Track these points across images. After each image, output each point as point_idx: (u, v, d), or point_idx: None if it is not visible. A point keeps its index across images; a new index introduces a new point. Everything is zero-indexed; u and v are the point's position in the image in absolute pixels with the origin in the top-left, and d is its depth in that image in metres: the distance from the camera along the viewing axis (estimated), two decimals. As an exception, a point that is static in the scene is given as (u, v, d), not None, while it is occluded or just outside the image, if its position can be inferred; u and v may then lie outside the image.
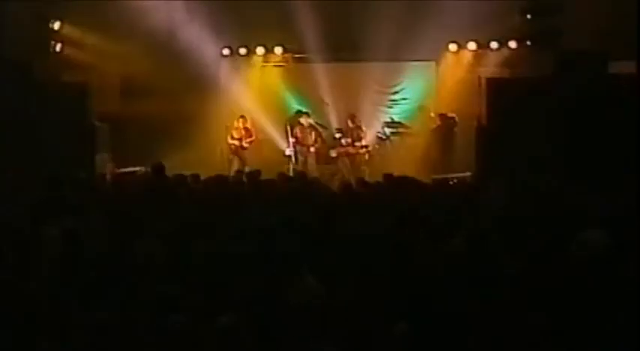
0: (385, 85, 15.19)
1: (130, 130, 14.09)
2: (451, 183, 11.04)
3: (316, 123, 14.46)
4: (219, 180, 9.60)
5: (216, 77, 15.02)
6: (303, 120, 14.39)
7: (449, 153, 14.04)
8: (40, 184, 9.48)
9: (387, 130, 14.60)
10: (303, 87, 15.16)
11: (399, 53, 14.66)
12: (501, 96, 12.93)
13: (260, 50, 15.19)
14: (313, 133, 14.32)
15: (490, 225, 6.49)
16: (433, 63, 15.23)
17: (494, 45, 14.54)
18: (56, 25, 13.94)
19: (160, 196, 8.27)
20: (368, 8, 13.72)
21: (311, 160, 14.22)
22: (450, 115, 14.38)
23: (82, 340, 4.42)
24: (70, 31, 14.13)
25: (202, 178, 9.94)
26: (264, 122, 14.87)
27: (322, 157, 14.38)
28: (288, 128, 14.55)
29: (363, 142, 14.31)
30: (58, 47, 14.04)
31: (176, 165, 10.23)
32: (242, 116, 14.38)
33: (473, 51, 14.77)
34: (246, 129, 14.32)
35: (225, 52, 15.09)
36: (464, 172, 12.78)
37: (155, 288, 4.97)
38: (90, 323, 4.48)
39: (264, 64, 15.52)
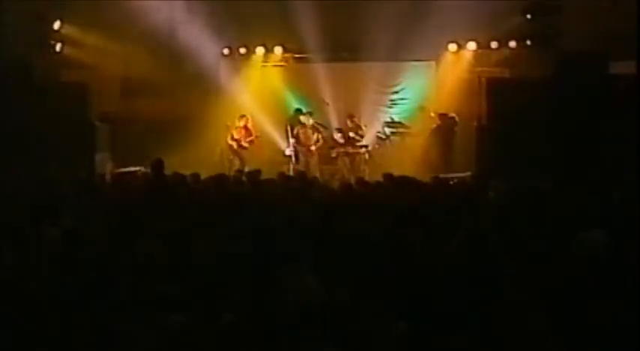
0: (385, 85, 15.20)
1: (130, 130, 14.10)
2: (451, 183, 11.03)
3: (316, 123, 14.46)
4: (219, 180, 9.60)
5: (216, 77, 15.03)
6: (304, 119, 14.39)
7: (449, 153, 14.04)
8: (40, 184, 9.51)
9: (387, 130, 14.60)
10: (303, 87, 15.17)
11: (399, 53, 14.67)
12: (501, 96, 12.94)
13: (260, 50, 15.21)
14: (315, 134, 14.32)
15: (490, 225, 6.49)
16: (433, 63, 15.24)
17: (494, 45, 14.53)
18: (56, 25, 13.93)
19: (160, 196, 8.27)
20: (368, 8, 13.73)
21: (312, 160, 14.23)
22: (450, 115, 14.38)
23: (82, 340, 4.42)
24: (70, 30, 14.12)
25: (202, 177, 9.94)
26: (264, 122, 14.87)
27: (322, 157, 14.39)
28: (289, 128, 14.56)
29: (363, 142, 14.32)
30: (58, 47, 14.03)
31: (176, 165, 10.22)
32: (242, 116, 14.38)
33: (473, 51, 14.77)
34: (246, 129, 14.32)
35: (225, 52, 15.11)
36: (464, 172, 12.78)
37: (155, 288, 4.97)
38: (90, 323, 4.49)
39: (264, 64, 15.53)
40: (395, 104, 15.23)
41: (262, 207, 7.65)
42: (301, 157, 14.30)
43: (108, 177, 12.12)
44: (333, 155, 14.36)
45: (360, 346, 4.37)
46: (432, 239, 6.03)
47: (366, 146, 14.31)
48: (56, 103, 12.76)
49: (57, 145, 12.35)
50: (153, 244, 5.91)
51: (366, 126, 14.42)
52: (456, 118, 14.34)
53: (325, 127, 14.57)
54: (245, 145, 14.24)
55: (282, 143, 14.75)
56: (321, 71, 15.00)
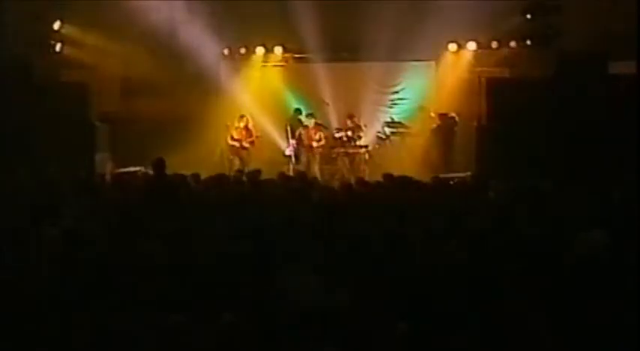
0: (385, 85, 15.20)
1: (130, 130, 14.10)
2: (451, 183, 11.03)
3: (317, 123, 14.45)
4: (220, 180, 9.60)
5: (216, 77, 15.03)
6: (305, 119, 14.40)
7: (449, 153, 14.04)
8: (40, 184, 9.51)
9: (387, 130, 14.59)
10: (303, 87, 15.17)
11: (399, 53, 14.68)
12: (501, 96, 12.95)
13: (260, 50, 15.21)
14: (317, 134, 14.32)
15: (490, 225, 6.49)
16: (433, 63, 15.23)
17: (494, 45, 14.53)
18: (56, 25, 13.93)
19: (161, 196, 8.27)
20: (368, 8, 13.73)
21: (312, 160, 14.22)
22: (450, 115, 14.37)
23: (82, 340, 4.42)
24: (70, 30, 14.12)
25: (202, 177, 9.95)
26: (264, 122, 14.87)
27: (322, 157, 14.39)
28: (288, 128, 14.56)
29: (362, 142, 14.31)
30: (58, 47, 14.03)
31: (176, 165, 10.22)
32: (242, 116, 14.37)
33: (473, 51, 14.77)
34: (246, 129, 14.31)
35: (226, 52, 15.11)
36: (464, 172, 12.78)
37: (155, 288, 4.97)
38: (90, 323, 4.49)
39: (264, 64, 15.54)
40: (395, 104, 15.23)
41: (262, 207, 7.65)
42: (301, 157, 14.30)
43: (108, 177, 12.12)
44: (333, 155, 14.35)
45: (360, 346, 4.37)
46: (432, 239, 6.03)
47: (366, 146, 14.30)
48: (56, 103, 12.77)
49: (57, 145, 12.35)
50: (153, 244, 5.91)
51: (366, 126, 14.41)
52: (456, 118, 14.34)
53: (325, 127, 14.57)
54: (245, 145, 14.23)
55: (282, 143, 14.75)
56: (321, 71, 15.01)
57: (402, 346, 4.34)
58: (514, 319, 4.51)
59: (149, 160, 9.32)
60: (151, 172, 9.38)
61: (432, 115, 14.64)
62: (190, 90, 14.25)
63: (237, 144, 14.19)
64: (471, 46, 14.67)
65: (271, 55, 15.35)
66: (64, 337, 4.47)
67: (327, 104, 14.79)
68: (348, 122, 14.35)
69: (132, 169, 12.83)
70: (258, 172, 10.45)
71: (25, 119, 12.45)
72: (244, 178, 10.46)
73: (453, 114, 14.36)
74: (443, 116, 14.39)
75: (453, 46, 14.79)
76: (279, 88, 15.38)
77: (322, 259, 5.48)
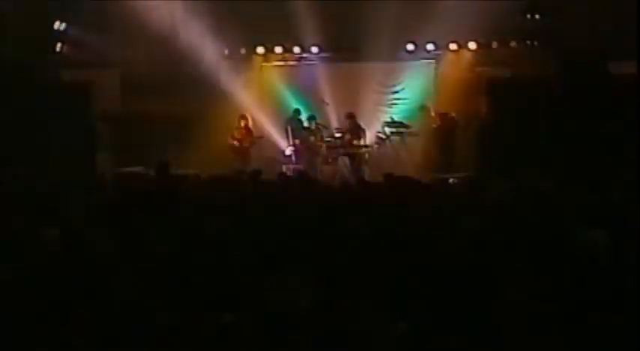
0: (385, 85, 15.22)
1: (131, 130, 14.11)
2: (451, 183, 11.04)
3: (317, 123, 14.47)
4: (220, 180, 9.61)
5: (216, 77, 15.03)
6: (304, 120, 14.43)
7: (449, 153, 14.05)
8: (40, 184, 9.51)
9: (387, 130, 14.59)
10: (303, 87, 15.18)
11: (399, 53, 14.70)
12: (501, 96, 12.96)
13: (260, 50, 15.22)
14: (317, 134, 14.33)
15: (490, 225, 6.49)
16: (433, 63, 15.25)
17: (494, 45, 14.55)
18: (57, 25, 13.94)
19: (161, 196, 8.28)
20: (368, 8, 13.73)
21: (313, 160, 14.23)
22: (451, 114, 14.38)
23: (82, 340, 4.42)
24: (71, 30, 14.14)
25: (203, 177, 9.95)
26: (264, 122, 14.89)
27: (322, 157, 14.40)
28: (289, 128, 14.58)
29: (362, 142, 14.30)
30: (59, 47, 14.04)
31: (177, 165, 10.23)
32: (243, 116, 14.39)
33: (473, 51, 14.79)
34: (246, 129, 14.34)
35: (226, 52, 15.12)
36: (464, 172, 12.79)
37: (155, 288, 4.98)
38: (90, 323, 4.49)
39: (264, 64, 15.55)
40: (395, 104, 15.24)
41: (262, 207, 7.66)
42: (302, 157, 14.31)
43: (108, 177, 12.13)
44: (333, 155, 14.36)
45: (360, 346, 4.37)
46: (432, 239, 6.03)
47: (366, 146, 14.31)
48: (56, 103, 12.77)
49: (57, 145, 12.37)
50: (153, 244, 5.92)
51: (365, 126, 14.42)
52: (457, 118, 14.35)
53: (325, 127, 14.58)
54: (246, 145, 14.24)
55: (282, 143, 14.77)
56: (321, 71, 15.03)
57: (402, 346, 4.34)
58: (514, 319, 4.52)
59: (150, 160, 9.35)
60: (151, 172, 9.41)
61: (433, 114, 14.65)
62: (190, 90, 14.26)
63: (237, 144, 14.20)
64: (471, 45, 14.69)
65: (271, 55, 15.36)
66: (64, 337, 4.47)
67: (327, 104, 14.80)
68: (348, 122, 14.36)
69: (133, 169, 12.85)
70: (258, 172, 10.46)
71: (25, 119, 12.46)
72: (245, 178, 10.47)
73: (453, 114, 14.37)
74: (443, 116, 14.40)
75: (453, 46, 14.81)
76: (279, 88, 15.39)
77: (322, 259, 5.48)
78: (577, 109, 11.99)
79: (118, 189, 9.92)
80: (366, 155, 14.27)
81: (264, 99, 15.26)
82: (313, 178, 11.56)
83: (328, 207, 7.48)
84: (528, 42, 13.88)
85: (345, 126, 14.40)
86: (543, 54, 13.46)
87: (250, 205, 7.82)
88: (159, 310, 4.66)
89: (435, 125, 14.44)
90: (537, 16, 13.58)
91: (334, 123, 14.76)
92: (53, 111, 12.71)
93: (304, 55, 15.22)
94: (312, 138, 14.28)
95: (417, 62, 15.17)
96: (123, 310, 4.71)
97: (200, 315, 4.57)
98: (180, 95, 14.10)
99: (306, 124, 14.44)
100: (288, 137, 14.55)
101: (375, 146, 14.55)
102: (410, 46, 14.77)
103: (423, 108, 14.85)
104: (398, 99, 15.26)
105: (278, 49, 15.24)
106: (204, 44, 14.29)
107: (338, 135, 14.36)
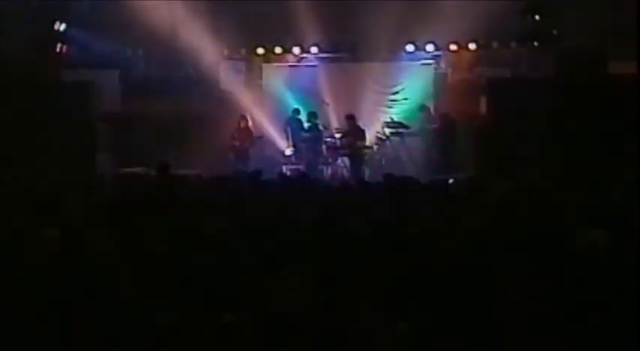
0: (385, 85, 15.22)
1: (131, 130, 14.11)
2: (451, 183, 11.03)
3: (317, 123, 14.47)
4: (220, 180, 9.61)
5: (216, 77, 15.05)
6: (306, 121, 14.44)
7: (449, 153, 14.04)
8: (40, 184, 9.51)
9: (387, 130, 14.60)
10: (303, 87, 15.19)
11: (398, 53, 14.71)
12: (501, 96, 12.96)
13: (260, 50, 15.22)
14: (317, 133, 14.34)
15: (490, 225, 6.49)
16: (433, 63, 15.25)
17: (494, 45, 14.56)
18: (57, 25, 13.94)
19: (161, 196, 8.28)
20: (368, 8, 13.74)
21: (313, 160, 14.23)
22: (451, 114, 14.38)
23: (82, 340, 4.42)
24: (72, 31, 14.14)
25: (203, 178, 9.96)
26: (264, 122, 14.89)
27: (323, 157, 14.39)
28: (288, 128, 14.59)
29: (361, 143, 14.28)
30: (59, 47, 14.04)
31: (177, 165, 10.23)
32: (243, 116, 14.39)
33: (473, 51, 14.79)
34: (246, 129, 14.33)
35: (226, 52, 15.12)
36: (464, 172, 12.79)
37: (155, 288, 4.98)
38: (90, 323, 4.49)
39: (265, 63, 15.56)
40: (395, 104, 15.24)
41: (262, 207, 7.66)
42: (302, 157, 14.32)
43: (108, 177, 12.13)
44: (333, 155, 14.35)
45: (360, 346, 4.38)
46: (432, 239, 6.03)
47: (366, 147, 14.31)
48: (56, 103, 12.78)
49: (57, 145, 12.37)
50: (153, 244, 5.92)
51: (365, 126, 14.42)
52: (456, 118, 14.35)
53: (326, 128, 14.59)
54: (246, 145, 14.24)
55: (282, 143, 14.77)
56: (321, 71, 15.05)
57: (402, 346, 4.34)
58: (514, 319, 4.52)
59: (150, 160, 9.36)
60: (152, 172, 9.42)
61: (432, 115, 14.65)
62: (191, 90, 14.26)
63: (237, 144, 14.20)
64: (471, 46, 14.69)
65: (271, 55, 15.37)
66: (64, 337, 4.47)
67: (327, 104, 14.81)
68: (348, 123, 14.35)
69: (132, 169, 12.85)
70: (258, 172, 10.47)
71: (25, 119, 12.46)
72: (245, 178, 10.47)
73: (453, 114, 14.37)
74: (443, 116, 14.40)
75: (453, 46, 14.81)
76: (279, 88, 15.40)
77: (322, 259, 5.48)
78: (577, 109, 11.98)
79: (118, 189, 9.93)
80: (366, 156, 14.27)
81: (264, 99, 15.26)
82: (313, 178, 11.56)
83: (328, 207, 7.48)
84: (528, 42, 13.88)
85: (345, 127, 14.39)
86: (543, 54, 13.46)
87: (250, 205, 7.82)
88: (159, 310, 4.66)
89: (435, 125, 14.44)
90: (537, 17, 13.57)
91: (334, 123, 14.77)
92: (53, 111, 12.71)
93: (304, 55, 15.23)
94: (312, 138, 14.27)
95: (417, 63, 15.17)
96: (123, 310, 4.71)
97: (200, 315, 4.57)
98: (180, 95, 14.10)
99: (306, 124, 14.44)
100: (288, 137, 14.56)
101: (375, 146, 14.54)
102: (410, 47, 14.78)
103: (422, 108, 14.85)
104: (398, 99, 15.26)
105: (278, 50, 15.24)
106: (204, 44, 14.29)
107: (338, 135, 14.36)
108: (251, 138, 14.29)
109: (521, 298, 4.78)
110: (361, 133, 14.17)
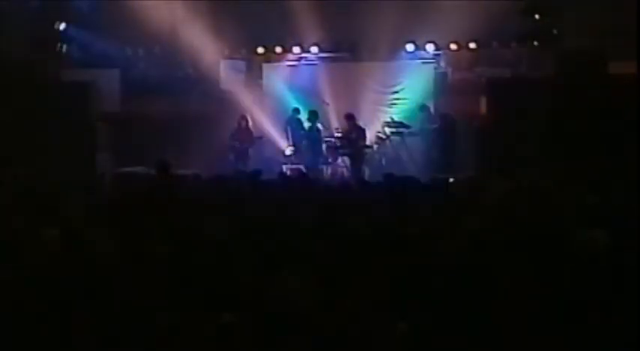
0: (385, 84, 15.22)
1: (131, 130, 14.11)
2: (451, 183, 11.03)
3: (317, 123, 14.47)
4: (220, 180, 9.61)
5: (216, 77, 15.06)
6: (306, 121, 14.43)
7: (449, 153, 14.04)
8: (40, 184, 9.51)
9: (387, 130, 14.59)
10: (303, 87, 15.19)
11: (398, 53, 14.71)
12: (501, 96, 12.96)
13: (260, 50, 15.23)
14: (317, 134, 14.34)
15: (490, 225, 6.49)
16: (433, 63, 15.25)
17: (494, 44, 14.56)
18: (57, 25, 13.94)
19: (161, 196, 8.28)
20: (368, 8, 13.75)
21: (313, 160, 14.23)
22: (451, 114, 14.38)
23: (82, 341, 4.42)
24: (72, 31, 14.14)
25: (203, 178, 9.96)
26: (264, 122, 14.89)
27: (323, 157, 14.40)
28: (288, 128, 14.60)
29: (361, 143, 14.28)
30: (59, 47, 14.04)
31: (177, 165, 10.23)
32: (243, 116, 14.39)
33: (473, 50, 14.79)
34: (246, 129, 14.33)
35: (226, 51, 15.13)
36: (464, 172, 12.79)
37: (155, 288, 4.98)
38: (90, 323, 4.49)
39: (265, 63, 15.56)
40: (395, 104, 15.24)
41: (262, 207, 7.66)
42: (302, 157, 14.32)
43: (108, 177, 12.14)
44: (333, 155, 14.35)
45: (360, 346, 4.37)
46: (432, 239, 6.03)
47: (366, 146, 14.31)
48: (56, 103, 12.78)
49: (57, 145, 12.37)
50: (153, 244, 5.92)
51: (365, 126, 14.42)
52: (456, 118, 14.34)
53: (326, 127, 14.59)
54: (246, 145, 14.24)
55: (282, 143, 14.77)
56: (321, 71, 15.05)
57: (402, 346, 4.34)
58: (514, 319, 4.52)
59: (150, 160, 9.36)
60: (152, 172, 9.41)
61: (432, 114, 14.65)
62: (191, 90, 14.27)
63: (237, 144, 14.20)
64: (471, 46, 14.70)
65: (271, 55, 15.37)
66: (64, 337, 4.47)
67: (327, 104, 14.81)
68: (348, 123, 14.35)
69: (132, 169, 12.85)
70: (258, 172, 10.47)
71: (25, 119, 12.46)
72: (244, 178, 10.47)
73: (453, 114, 14.37)
74: (443, 116, 14.40)
75: (453, 46, 14.82)
76: (280, 87, 15.40)
77: (322, 259, 5.48)
78: (577, 109, 11.98)
79: (118, 189, 9.92)
80: (366, 155, 14.26)
81: (264, 99, 15.26)
82: (313, 178, 11.56)
83: (328, 207, 7.48)
84: (528, 42, 13.88)
85: (345, 126, 14.39)
86: (543, 54, 13.46)
87: (250, 205, 7.82)
88: (159, 310, 4.65)
89: (435, 125, 14.44)
90: (537, 17, 13.57)
91: (334, 123, 14.77)
92: (53, 111, 12.71)
93: (304, 55, 15.23)
94: (312, 138, 14.27)
95: (417, 62, 15.16)
96: (123, 310, 4.71)
97: (200, 315, 4.57)
98: (180, 95, 14.11)
99: (306, 124, 14.44)
100: (288, 137, 14.56)
101: (375, 146, 14.54)
102: (410, 46, 14.78)
103: (423, 108, 14.84)
104: (398, 99, 15.26)
105: (278, 49, 15.25)
106: (204, 44, 14.29)
107: (338, 135, 14.36)
108: (251, 138, 14.28)
109: (521, 298, 4.78)
110: (361, 133, 14.15)
